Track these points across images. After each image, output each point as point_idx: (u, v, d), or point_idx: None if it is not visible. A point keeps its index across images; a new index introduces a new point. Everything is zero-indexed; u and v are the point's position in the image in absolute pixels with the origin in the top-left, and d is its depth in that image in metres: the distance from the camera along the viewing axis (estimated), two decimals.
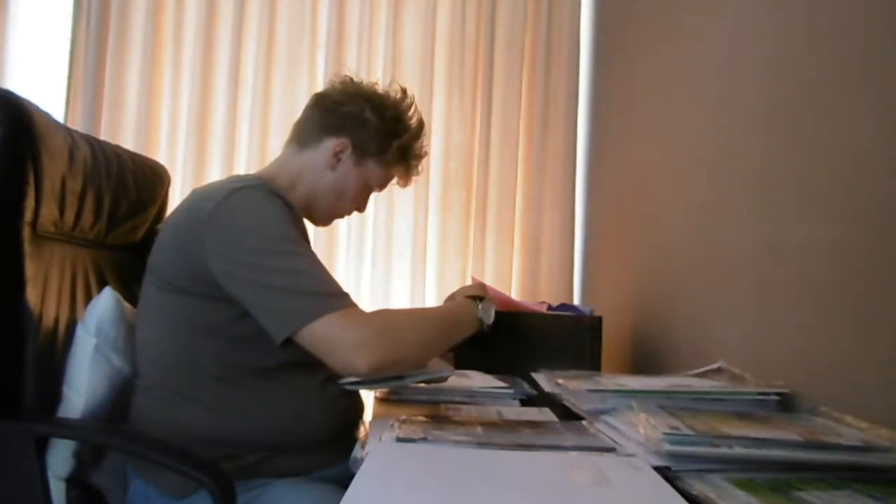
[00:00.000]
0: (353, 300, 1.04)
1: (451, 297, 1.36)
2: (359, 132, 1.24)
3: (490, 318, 1.27)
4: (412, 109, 1.29)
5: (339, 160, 1.24)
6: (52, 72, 2.29)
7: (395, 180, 1.34)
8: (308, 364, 1.04)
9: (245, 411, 1.08)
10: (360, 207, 1.33)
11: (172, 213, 1.16)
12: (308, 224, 1.30)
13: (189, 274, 1.07)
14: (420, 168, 1.34)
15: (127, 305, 1.19)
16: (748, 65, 1.21)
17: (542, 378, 1.31)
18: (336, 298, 1.02)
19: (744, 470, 0.72)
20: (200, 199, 1.10)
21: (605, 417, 0.96)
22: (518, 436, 0.89)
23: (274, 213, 1.08)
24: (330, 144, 1.23)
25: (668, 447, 0.73)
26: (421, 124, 1.30)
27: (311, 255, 1.08)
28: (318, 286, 1.03)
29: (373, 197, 1.35)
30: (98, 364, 1.11)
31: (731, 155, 1.26)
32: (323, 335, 0.99)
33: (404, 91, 1.29)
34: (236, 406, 1.08)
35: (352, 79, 1.30)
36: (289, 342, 1.01)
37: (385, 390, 1.22)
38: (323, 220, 1.32)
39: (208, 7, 2.31)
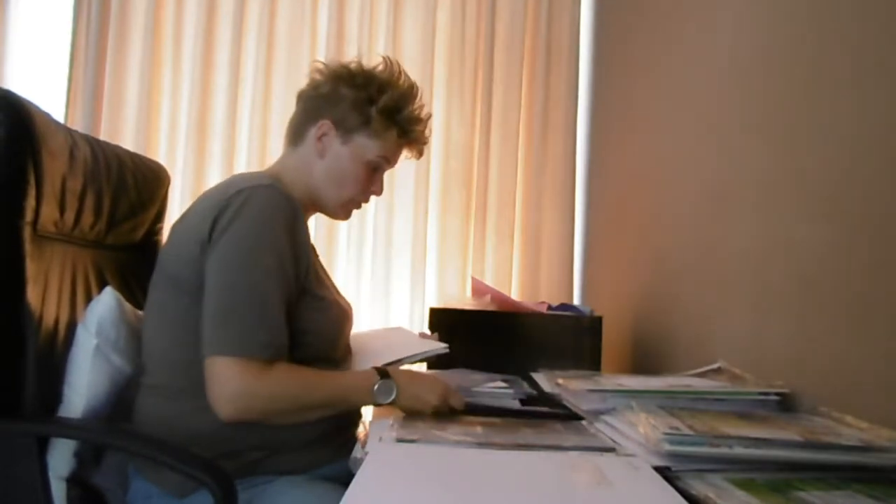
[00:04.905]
0: (272, 352, 1.01)
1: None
2: (336, 109, 1.21)
3: (387, 398, 1.06)
4: (397, 75, 1.25)
5: (324, 144, 1.22)
6: (52, 72, 2.29)
7: (405, 154, 1.30)
8: (311, 361, 1.04)
9: None
10: (376, 190, 1.28)
11: (184, 216, 1.15)
12: (311, 224, 1.28)
13: (196, 275, 1.07)
14: (428, 132, 1.29)
15: (128, 306, 1.19)
16: (748, 65, 1.22)
17: (542, 378, 1.31)
18: (252, 344, 1.00)
19: (744, 470, 0.72)
20: (210, 200, 1.10)
21: (605, 417, 0.96)
22: (518, 436, 0.89)
23: (273, 219, 1.07)
24: (313, 131, 1.22)
25: (668, 447, 0.73)
26: (410, 86, 1.26)
27: (276, 285, 1.05)
28: (248, 321, 1.01)
29: (372, 197, 1.32)
30: (99, 364, 1.11)
31: (731, 155, 1.26)
32: (212, 372, 1.00)
33: (387, 60, 1.26)
34: None
35: (326, 64, 1.28)
36: None
37: None
38: (336, 211, 1.28)
39: (208, 6, 2.31)
